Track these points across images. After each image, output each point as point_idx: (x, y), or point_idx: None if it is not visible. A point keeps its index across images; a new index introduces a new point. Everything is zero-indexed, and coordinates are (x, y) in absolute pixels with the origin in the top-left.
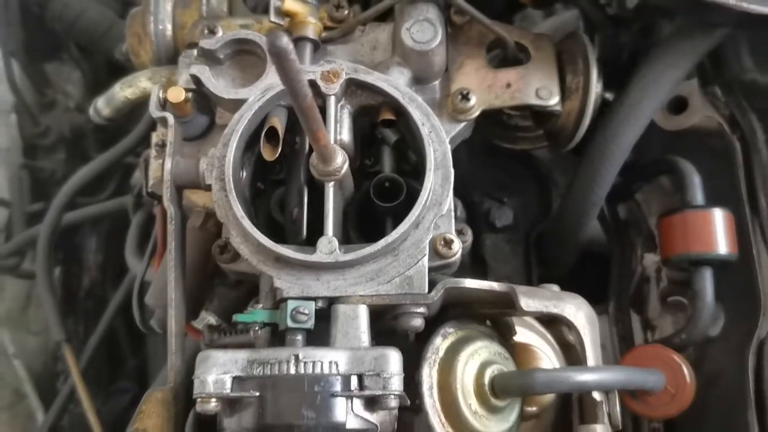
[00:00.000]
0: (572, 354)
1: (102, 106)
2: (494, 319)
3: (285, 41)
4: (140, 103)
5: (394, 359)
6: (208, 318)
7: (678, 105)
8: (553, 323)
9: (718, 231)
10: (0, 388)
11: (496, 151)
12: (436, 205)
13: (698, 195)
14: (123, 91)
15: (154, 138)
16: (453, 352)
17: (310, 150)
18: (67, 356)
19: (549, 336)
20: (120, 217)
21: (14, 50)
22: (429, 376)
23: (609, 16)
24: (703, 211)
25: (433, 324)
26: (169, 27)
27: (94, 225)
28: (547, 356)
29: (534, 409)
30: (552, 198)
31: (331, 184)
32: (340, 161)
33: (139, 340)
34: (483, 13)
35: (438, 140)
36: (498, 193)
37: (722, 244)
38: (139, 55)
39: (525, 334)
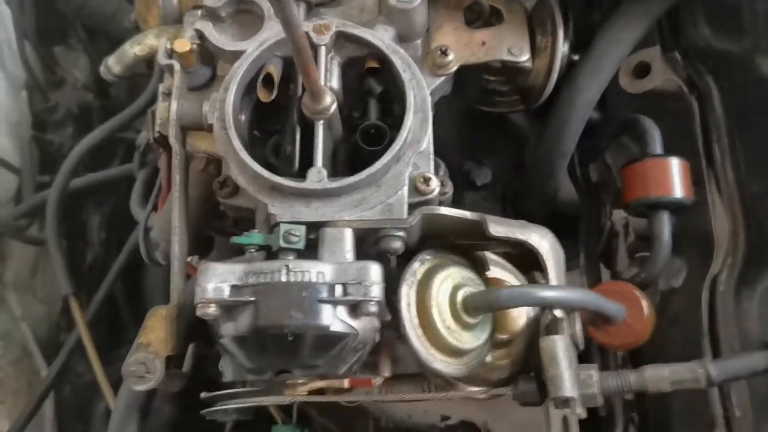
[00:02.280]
0: None
1: (113, 64)
2: (468, 254)
3: None
4: (143, 78)
5: (375, 270)
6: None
7: (642, 70)
8: (525, 270)
9: (675, 176)
10: (7, 344)
11: (475, 116)
12: (415, 143)
13: (657, 146)
14: (132, 48)
15: (161, 88)
16: (429, 275)
17: (302, 97)
18: (73, 310)
19: (522, 277)
20: (123, 196)
21: (27, 32)
22: (407, 295)
23: None
24: (661, 159)
25: (411, 254)
26: None
27: (98, 204)
28: None
29: (505, 336)
30: (528, 159)
31: (321, 122)
32: (329, 101)
33: (139, 309)
34: None
35: (418, 87)
36: (477, 154)
37: (678, 188)
38: (147, 21)
39: (498, 272)
